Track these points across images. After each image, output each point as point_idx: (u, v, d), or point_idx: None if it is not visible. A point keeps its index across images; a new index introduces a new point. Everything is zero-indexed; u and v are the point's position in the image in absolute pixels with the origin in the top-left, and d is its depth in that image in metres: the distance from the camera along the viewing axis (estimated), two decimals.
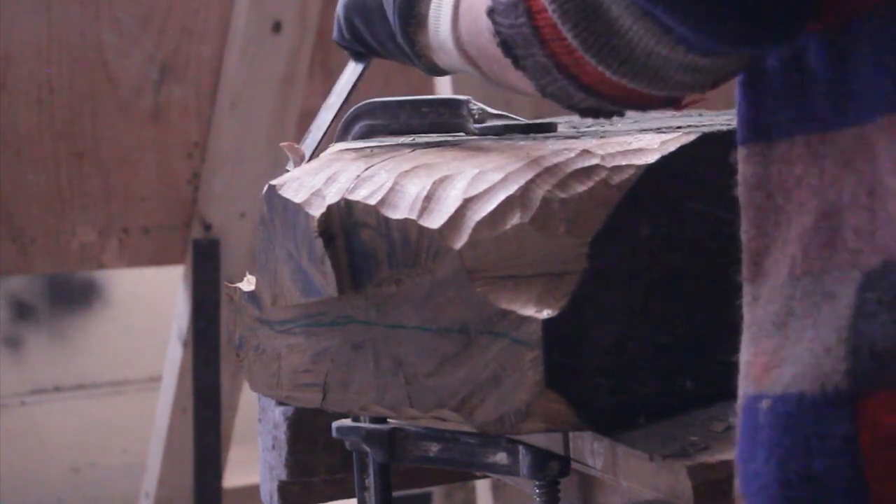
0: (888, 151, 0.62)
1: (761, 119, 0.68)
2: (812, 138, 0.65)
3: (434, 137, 1.16)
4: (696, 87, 0.77)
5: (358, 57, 1.17)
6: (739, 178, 0.69)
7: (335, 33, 1.14)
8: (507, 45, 0.83)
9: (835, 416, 0.59)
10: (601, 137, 1.03)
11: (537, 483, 1.02)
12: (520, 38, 0.81)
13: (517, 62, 0.83)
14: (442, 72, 1.04)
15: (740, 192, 0.69)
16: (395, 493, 1.16)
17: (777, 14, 0.68)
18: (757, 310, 0.66)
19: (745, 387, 0.66)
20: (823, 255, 0.62)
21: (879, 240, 0.59)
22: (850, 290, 0.60)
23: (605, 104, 0.83)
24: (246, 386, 1.26)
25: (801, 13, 0.68)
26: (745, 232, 0.68)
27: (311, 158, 1.17)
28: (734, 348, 0.72)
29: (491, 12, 0.83)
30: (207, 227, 2.54)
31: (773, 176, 0.67)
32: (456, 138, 1.15)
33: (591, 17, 0.72)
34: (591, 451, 0.97)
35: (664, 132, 1.03)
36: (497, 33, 0.83)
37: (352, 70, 1.19)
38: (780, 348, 0.63)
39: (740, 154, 0.69)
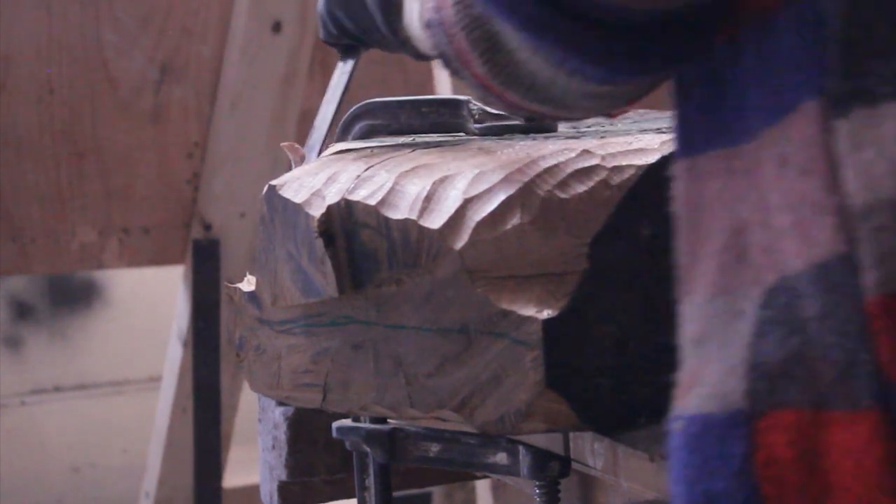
0: (769, 165, 0.61)
1: (689, 132, 0.67)
2: (725, 152, 0.64)
3: (434, 137, 1.16)
4: (606, 110, 0.77)
5: (347, 51, 1.17)
6: (673, 192, 0.68)
7: (321, 32, 1.14)
8: (443, 59, 0.83)
9: (734, 437, 0.59)
10: (601, 137, 1.03)
11: (537, 483, 1.02)
12: (451, 55, 0.81)
13: (455, 74, 0.83)
14: (427, 57, 1.03)
15: (675, 207, 0.68)
16: (395, 493, 1.16)
17: (662, 45, 0.67)
18: (685, 328, 0.66)
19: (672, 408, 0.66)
20: (735, 273, 0.62)
21: (774, 256, 0.59)
22: (753, 309, 0.60)
23: (535, 117, 0.83)
24: (246, 386, 1.26)
25: (684, 43, 0.67)
26: (678, 249, 0.67)
27: (320, 153, 1.17)
28: None
29: (427, 26, 0.83)
30: (207, 227, 2.54)
31: (699, 191, 0.65)
32: (456, 138, 1.15)
33: (495, 48, 0.72)
34: (591, 451, 0.97)
35: (664, 132, 1.03)
36: (434, 46, 0.83)
37: (342, 67, 1.18)
38: (698, 368, 0.63)
39: (675, 168, 0.68)
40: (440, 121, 1.18)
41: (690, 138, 0.66)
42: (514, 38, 0.72)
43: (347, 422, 1.13)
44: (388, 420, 1.10)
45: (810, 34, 0.58)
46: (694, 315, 0.64)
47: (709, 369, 0.62)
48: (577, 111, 0.76)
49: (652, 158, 0.98)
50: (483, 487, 2.39)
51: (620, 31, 0.66)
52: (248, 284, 1.13)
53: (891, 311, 0.54)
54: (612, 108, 0.77)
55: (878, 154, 0.55)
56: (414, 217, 0.96)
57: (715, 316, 0.63)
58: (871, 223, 0.55)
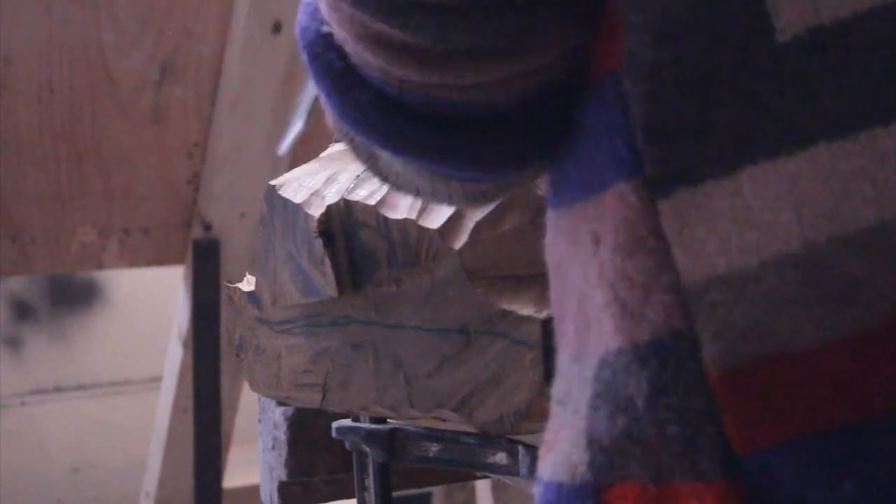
0: (584, 239, 0.61)
1: (561, 184, 0.65)
2: (578, 206, 0.62)
3: None
4: (493, 199, 0.75)
5: None
6: (545, 243, 0.66)
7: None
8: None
9: None
10: None
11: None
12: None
13: None
14: None
15: (546, 257, 0.67)
16: (395, 494, 1.16)
17: (524, 137, 0.65)
18: (555, 383, 0.66)
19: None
20: (584, 339, 0.61)
21: (620, 325, 0.59)
22: (591, 379, 0.60)
23: None
24: (246, 386, 1.26)
25: (544, 131, 0.65)
26: (552, 301, 0.67)
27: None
28: None
29: None
30: (207, 227, 2.54)
31: (557, 245, 0.64)
32: None
33: (373, 159, 0.71)
34: None
35: None
36: None
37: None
38: (559, 429, 0.63)
39: (547, 217, 0.66)
40: None
41: (563, 190, 0.65)
42: (380, 152, 0.69)
43: (347, 422, 1.13)
44: (388, 420, 1.10)
45: (615, 116, 0.58)
46: (561, 373, 0.64)
47: (563, 434, 0.62)
48: (469, 206, 0.76)
49: None
50: (483, 487, 2.40)
51: (476, 133, 0.64)
52: (248, 284, 1.13)
53: (730, 384, 0.55)
54: (506, 193, 0.76)
55: (709, 231, 0.55)
56: (413, 217, 0.96)
57: (574, 379, 0.63)
58: (705, 300, 0.55)
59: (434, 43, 0.60)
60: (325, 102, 0.66)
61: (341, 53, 0.64)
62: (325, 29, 0.64)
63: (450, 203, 0.74)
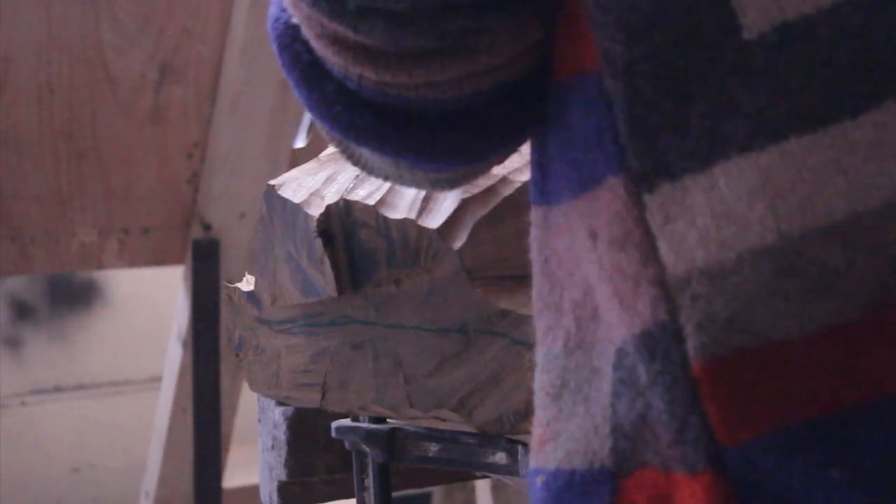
0: (580, 236, 0.61)
1: (546, 180, 0.65)
2: (573, 203, 0.63)
3: None
4: (458, 186, 0.76)
5: None
6: (530, 240, 0.67)
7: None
8: None
9: (597, 493, 0.60)
10: None
11: None
12: None
13: None
14: None
15: (531, 254, 0.68)
16: (395, 494, 1.16)
17: (484, 131, 0.66)
18: (540, 377, 0.66)
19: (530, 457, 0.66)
20: (591, 329, 0.62)
21: (620, 316, 0.60)
22: (608, 368, 0.60)
23: None
24: (246, 386, 1.26)
25: (506, 122, 0.66)
26: (534, 296, 0.66)
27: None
28: None
29: None
30: (207, 227, 2.54)
31: (550, 241, 0.65)
32: None
33: (345, 143, 0.71)
34: None
35: None
36: None
37: None
38: (553, 421, 0.63)
39: (531, 214, 0.67)
40: None
41: (547, 187, 0.65)
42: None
43: (346, 422, 1.13)
44: (388, 420, 1.10)
45: (601, 111, 0.58)
46: (550, 365, 0.64)
47: (570, 424, 0.62)
48: (435, 191, 0.76)
49: None
50: (483, 487, 2.39)
51: (432, 127, 0.65)
52: (248, 284, 1.13)
53: (713, 375, 0.55)
54: (474, 179, 0.77)
55: (689, 225, 0.56)
56: (413, 217, 0.96)
57: (572, 370, 0.63)
58: (687, 292, 0.56)
59: (385, 44, 0.61)
60: (294, 91, 0.68)
61: (309, 46, 0.65)
62: (294, 21, 0.65)
63: (417, 188, 0.74)
